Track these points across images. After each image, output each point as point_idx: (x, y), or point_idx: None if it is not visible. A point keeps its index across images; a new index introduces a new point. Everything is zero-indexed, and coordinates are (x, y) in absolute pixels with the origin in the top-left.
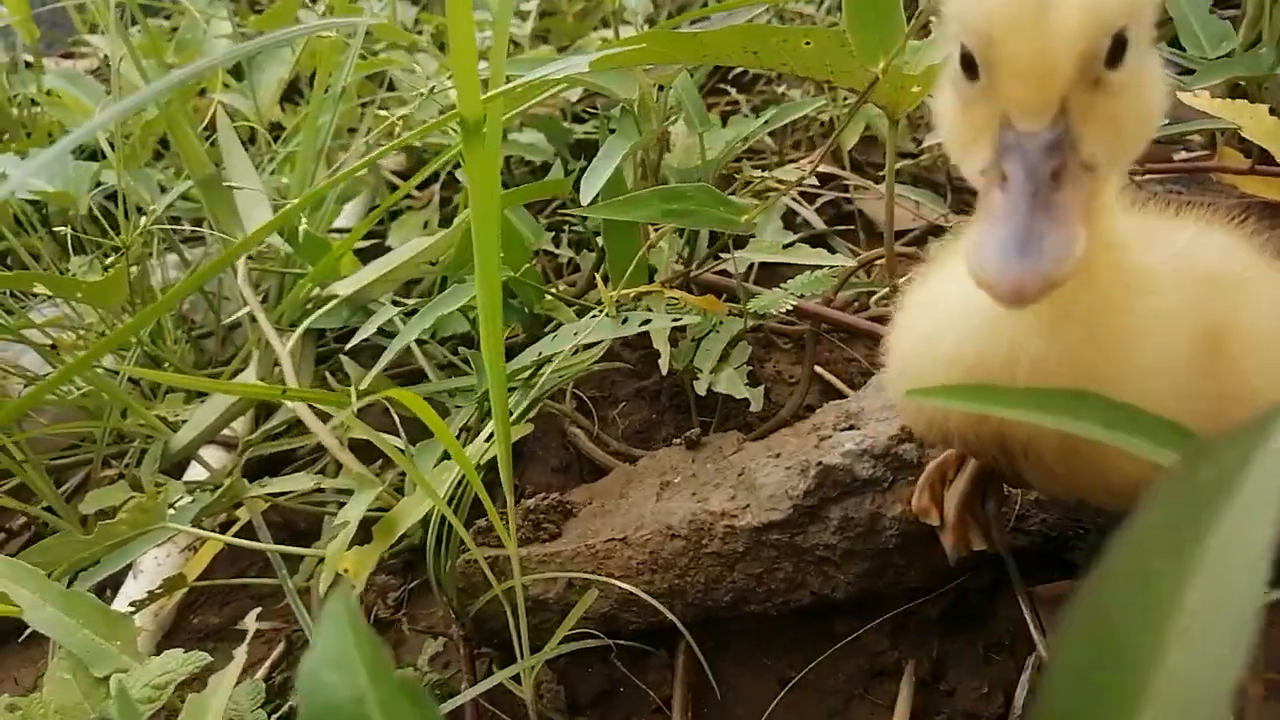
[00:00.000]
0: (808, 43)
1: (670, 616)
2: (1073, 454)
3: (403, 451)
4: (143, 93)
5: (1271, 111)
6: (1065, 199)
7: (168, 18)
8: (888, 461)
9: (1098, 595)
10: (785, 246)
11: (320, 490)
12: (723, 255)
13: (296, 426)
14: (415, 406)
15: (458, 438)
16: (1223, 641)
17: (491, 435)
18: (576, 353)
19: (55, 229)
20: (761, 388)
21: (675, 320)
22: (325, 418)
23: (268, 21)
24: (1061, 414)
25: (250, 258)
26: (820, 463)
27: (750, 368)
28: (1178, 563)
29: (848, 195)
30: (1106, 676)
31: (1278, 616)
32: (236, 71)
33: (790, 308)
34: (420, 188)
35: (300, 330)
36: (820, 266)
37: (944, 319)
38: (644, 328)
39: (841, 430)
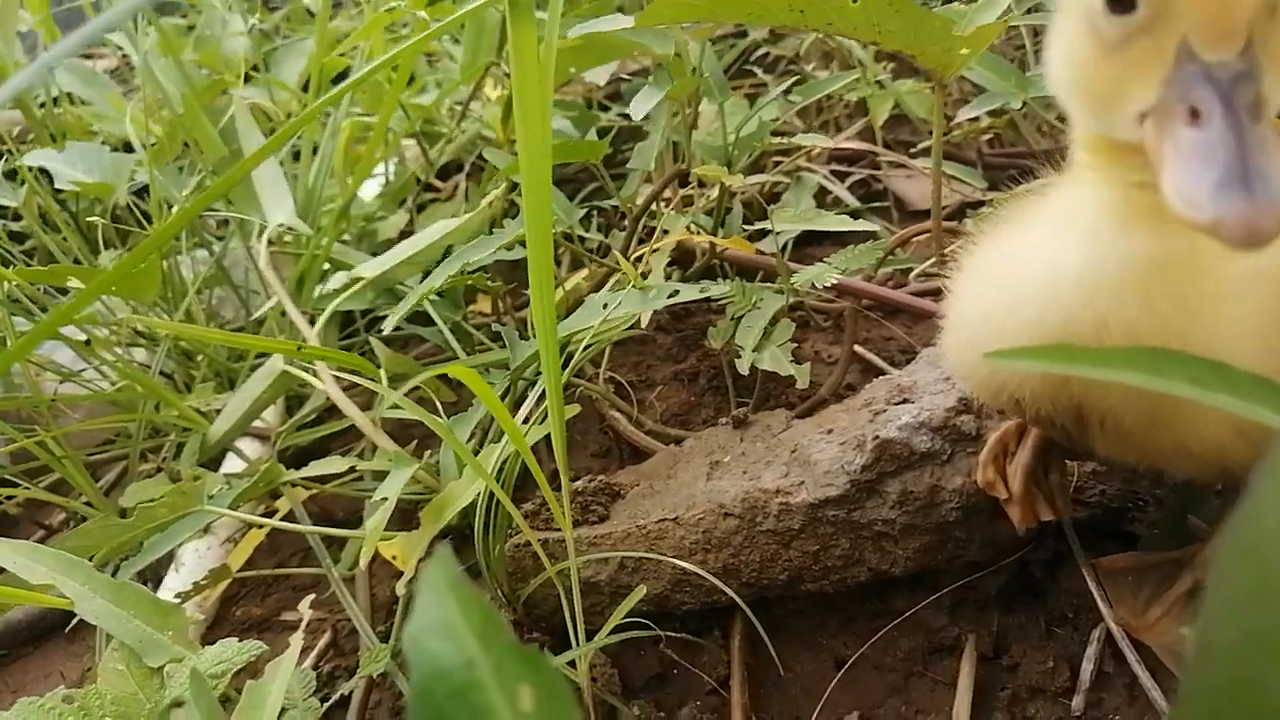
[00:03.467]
0: (854, 0)
1: (729, 593)
2: (1155, 420)
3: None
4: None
5: None
6: (1265, 132)
7: (184, 16)
8: (946, 434)
9: (1247, 534)
10: None
11: (359, 478)
12: (750, 226)
13: (330, 415)
14: (467, 378)
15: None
16: None
17: (531, 417)
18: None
19: (81, 225)
20: (807, 365)
21: (703, 291)
22: (361, 408)
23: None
24: (1149, 372)
25: (272, 243)
26: (878, 436)
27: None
28: None
29: (877, 174)
30: (1269, 616)
31: None
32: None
33: (833, 282)
34: (444, 179)
35: (328, 312)
36: (861, 234)
37: (1026, 287)
38: (672, 300)
39: (895, 404)
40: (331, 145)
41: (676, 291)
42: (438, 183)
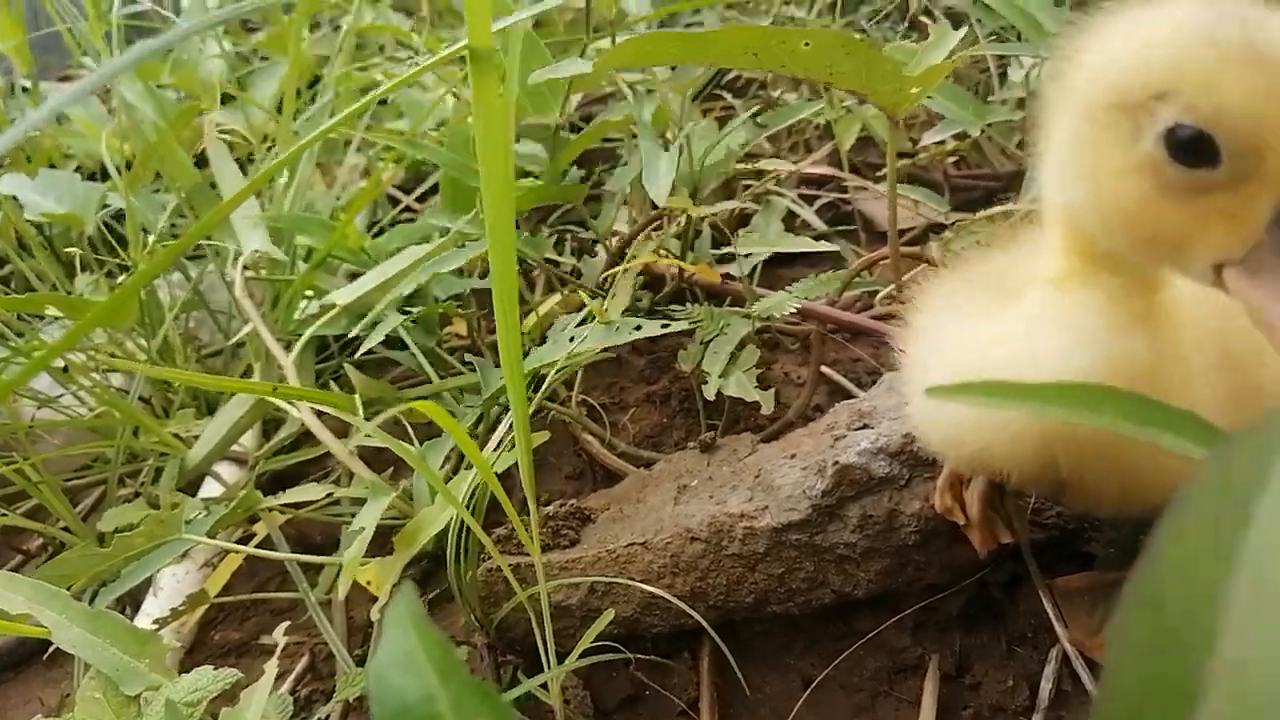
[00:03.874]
0: (806, 44)
1: (696, 617)
2: (1123, 470)
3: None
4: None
5: None
6: None
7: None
8: (903, 459)
9: (1148, 586)
10: None
11: (335, 503)
12: (719, 250)
13: (307, 439)
14: (434, 415)
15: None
16: (1272, 632)
17: (501, 443)
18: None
19: (57, 251)
20: (772, 390)
21: (664, 325)
22: (336, 432)
23: (272, 44)
24: (1085, 409)
25: (247, 268)
26: (837, 462)
27: (759, 370)
28: (1223, 555)
29: (846, 197)
30: (1165, 665)
31: None
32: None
33: (795, 309)
34: (421, 200)
35: (304, 339)
36: (823, 256)
37: (1030, 376)
38: (635, 335)
39: (855, 429)
40: (308, 169)
41: (639, 326)
42: (416, 205)
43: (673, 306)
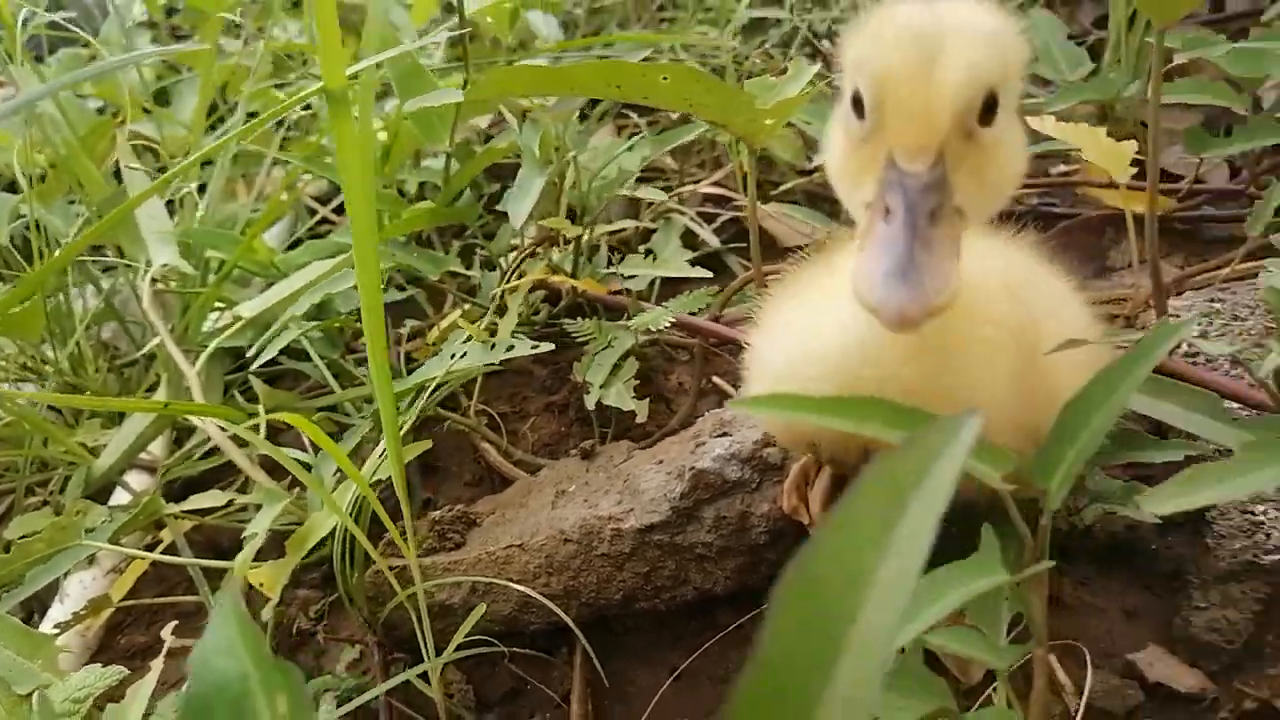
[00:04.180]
0: (665, 78)
1: (561, 615)
2: None
3: (309, 467)
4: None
5: (1110, 134)
6: (941, 235)
7: (85, 45)
8: (754, 464)
9: (812, 563)
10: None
11: (242, 509)
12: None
13: (216, 448)
14: (309, 431)
15: (360, 447)
16: (897, 606)
17: (405, 445)
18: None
19: None
20: (647, 400)
21: (535, 346)
22: (241, 441)
23: (193, 58)
24: (853, 418)
25: (156, 281)
26: (693, 467)
27: (638, 381)
28: (878, 544)
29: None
30: (814, 630)
31: None
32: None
33: (670, 324)
34: (339, 212)
35: (208, 351)
36: (723, 272)
37: (822, 348)
38: (510, 355)
39: (716, 437)
40: (220, 183)
41: (512, 346)
42: (333, 216)
43: (566, 321)
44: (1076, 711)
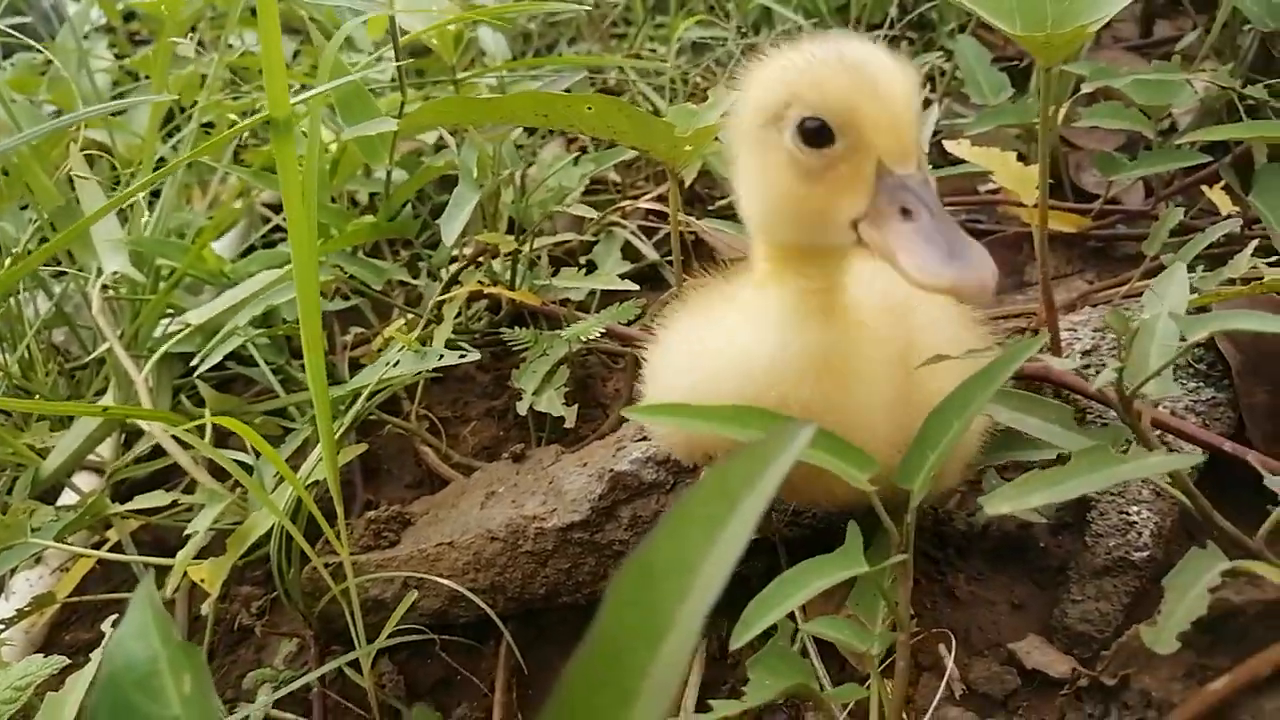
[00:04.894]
0: (589, 108)
1: (485, 608)
2: (811, 476)
3: (250, 468)
4: None
5: (1031, 155)
6: (955, 223)
7: (40, 51)
8: (669, 467)
9: (648, 553)
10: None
11: (189, 509)
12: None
13: (163, 450)
14: (247, 435)
15: (303, 449)
16: (716, 590)
17: (341, 449)
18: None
19: None
20: (576, 406)
21: (462, 356)
22: (184, 445)
23: (148, 65)
24: (734, 425)
25: (107, 287)
26: (612, 469)
27: (573, 389)
28: (708, 539)
29: (691, 229)
30: (645, 602)
31: None
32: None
33: (602, 333)
34: None
35: (155, 357)
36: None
37: (726, 369)
38: (442, 362)
39: (636, 441)
40: (172, 192)
41: (442, 355)
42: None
43: (505, 330)
44: (947, 697)
